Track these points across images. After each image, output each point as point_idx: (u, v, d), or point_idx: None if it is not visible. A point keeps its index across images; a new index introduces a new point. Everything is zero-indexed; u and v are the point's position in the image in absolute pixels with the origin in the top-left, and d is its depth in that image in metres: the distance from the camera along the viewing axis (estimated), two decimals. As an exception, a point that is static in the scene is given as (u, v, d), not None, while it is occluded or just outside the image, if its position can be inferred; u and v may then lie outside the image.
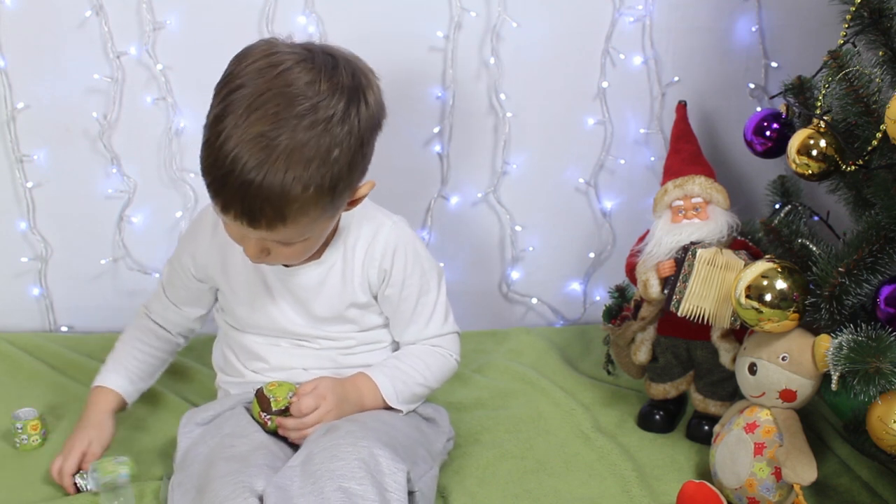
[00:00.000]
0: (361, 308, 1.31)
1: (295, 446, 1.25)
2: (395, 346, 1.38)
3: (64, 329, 1.82)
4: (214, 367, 1.42)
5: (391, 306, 1.32)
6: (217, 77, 1.17)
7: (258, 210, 1.09)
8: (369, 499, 1.08)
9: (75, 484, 1.28)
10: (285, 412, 1.24)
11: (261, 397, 1.26)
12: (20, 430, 1.39)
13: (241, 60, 1.12)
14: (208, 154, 1.10)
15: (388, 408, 1.30)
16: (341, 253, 1.28)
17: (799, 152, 1.32)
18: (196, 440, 1.25)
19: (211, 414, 1.30)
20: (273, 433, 1.25)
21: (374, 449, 1.13)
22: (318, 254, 1.27)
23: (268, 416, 1.25)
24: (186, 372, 1.63)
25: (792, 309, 1.23)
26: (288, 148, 1.07)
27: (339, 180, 1.12)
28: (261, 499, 1.10)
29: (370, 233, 1.28)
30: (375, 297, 1.32)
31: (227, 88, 1.11)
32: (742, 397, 1.35)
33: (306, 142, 1.07)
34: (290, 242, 1.16)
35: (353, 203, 1.21)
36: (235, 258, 1.29)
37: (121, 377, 1.38)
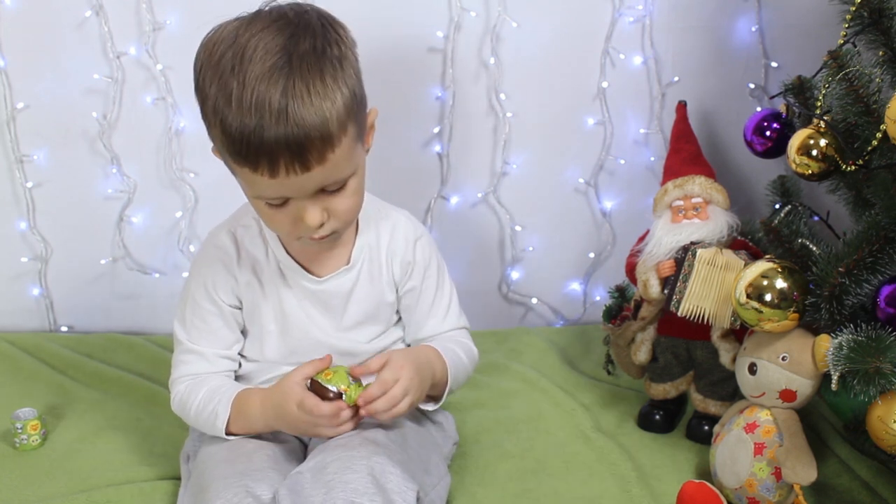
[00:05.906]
0: (388, 307, 1.31)
1: (298, 443, 1.25)
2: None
3: (64, 329, 1.82)
4: None
5: (412, 299, 1.31)
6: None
7: (304, 140, 1.04)
8: None
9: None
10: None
11: (318, 389, 1.17)
12: (20, 430, 1.39)
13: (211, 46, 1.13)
14: (232, 121, 1.04)
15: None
16: (366, 253, 1.27)
17: (799, 152, 1.32)
18: (205, 438, 1.25)
19: None
20: (354, 408, 1.17)
21: (387, 466, 1.12)
22: (346, 259, 1.26)
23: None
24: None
25: (792, 309, 1.23)
26: (301, 69, 1.04)
27: (355, 87, 1.09)
28: None
29: (388, 228, 1.29)
30: (397, 291, 1.31)
31: (222, 67, 1.08)
32: (742, 397, 1.35)
33: (314, 57, 1.06)
34: (345, 181, 1.11)
35: (369, 136, 1.17)
36: (264, 274, 1.26)
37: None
